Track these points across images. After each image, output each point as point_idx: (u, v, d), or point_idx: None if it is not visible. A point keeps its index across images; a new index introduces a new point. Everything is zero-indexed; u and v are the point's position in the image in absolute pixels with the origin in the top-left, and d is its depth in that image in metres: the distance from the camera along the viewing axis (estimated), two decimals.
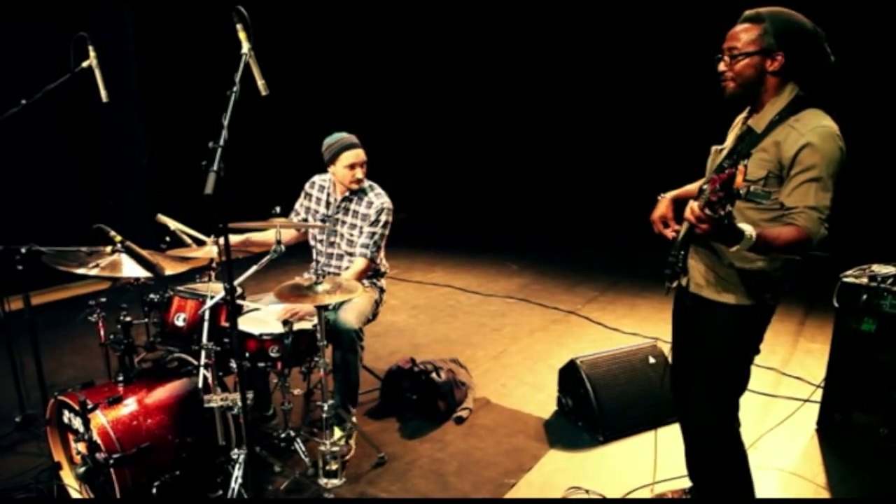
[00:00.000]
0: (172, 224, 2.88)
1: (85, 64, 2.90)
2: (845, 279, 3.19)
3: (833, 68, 2.03)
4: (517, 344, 4.45)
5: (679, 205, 2.33)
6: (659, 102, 7.18)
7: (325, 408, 2.76)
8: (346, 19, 7.59)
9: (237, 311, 2.33)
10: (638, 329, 4.61)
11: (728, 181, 1.67)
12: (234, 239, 3.11)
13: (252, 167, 6.36)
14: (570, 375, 3.42)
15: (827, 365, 3.28)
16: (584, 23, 7.59)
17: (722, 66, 2.06)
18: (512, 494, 2.84)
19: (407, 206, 8.75)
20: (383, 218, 3.17)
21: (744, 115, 2.21)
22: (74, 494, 2.64)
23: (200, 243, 2.95)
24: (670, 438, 3.14)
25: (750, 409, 3.49)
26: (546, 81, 8.13)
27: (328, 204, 3.28)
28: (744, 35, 2.01)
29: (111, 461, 2.39)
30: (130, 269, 2.61)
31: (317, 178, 3.37)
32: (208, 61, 5.02)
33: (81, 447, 2.45)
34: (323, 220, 3.29)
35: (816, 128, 1.93)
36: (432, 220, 8.63)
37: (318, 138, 3.26)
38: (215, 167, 1.87)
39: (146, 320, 2.82)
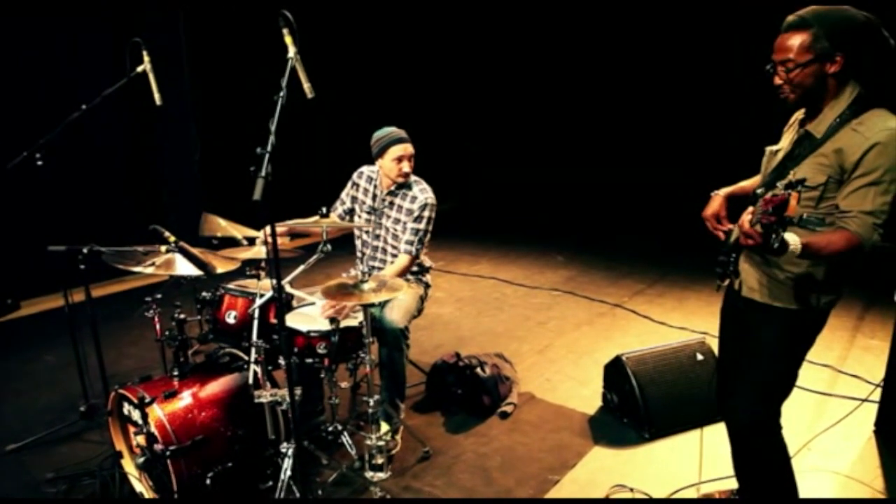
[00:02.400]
0: (220, 226, 2.95)
1: (140, 69, 3.00)
2: None
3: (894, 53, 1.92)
4: (562, 338, 4.43)
5: (732, 202, 2.27)
6: (710, 94, 6.99)
7: (371, 403, 2.81)
8: (387, 16, 7.61)
9: (285, 311, 2.38)
10: (686, 323, 4.53)
11: (781, 206, 1.61)
12: (279, 229, 3.17)
13: (297, 166, 6.46)
14: (615, 371, 3.39)
15: (886, 364, 3.16)
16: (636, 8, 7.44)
17: (778, 80, 1.96)
18: (555, 491, 2.85)
19: (453, 195, 8.79)
20: (426, 214, 3.18)
21: (799, 115, 2.13)
22: (134, 482, 2.78)
23: (251, 240, 3.02)
24: (718, 437, 3.08)
25: (804, 409, 3.40)
26: (593, 70, 8.01)
27: (374, 196, 3.32)
28: (794, 44, 1.90)
29: (168, 453, 2.49)
30: (183, 266, 2.71)
31: (365, 169, 3.40)
32: (259, 57, 5.12)
33: (140, 439, 2.56)
34: (369, 213, 3.32)
35: (882, 130, 1.85)
36: (479, 209, 8.64)
37: (364, 135, 3.30)
38: (263, 173, 1.91)
39: (199, 317, 2.92)
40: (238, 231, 2.97)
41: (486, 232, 7.44)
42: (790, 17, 1.94)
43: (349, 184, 3.43)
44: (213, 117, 6.04)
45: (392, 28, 7.67)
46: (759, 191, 1.71)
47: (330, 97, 6.75)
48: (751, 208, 1.80)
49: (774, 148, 2.18)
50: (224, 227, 2.97)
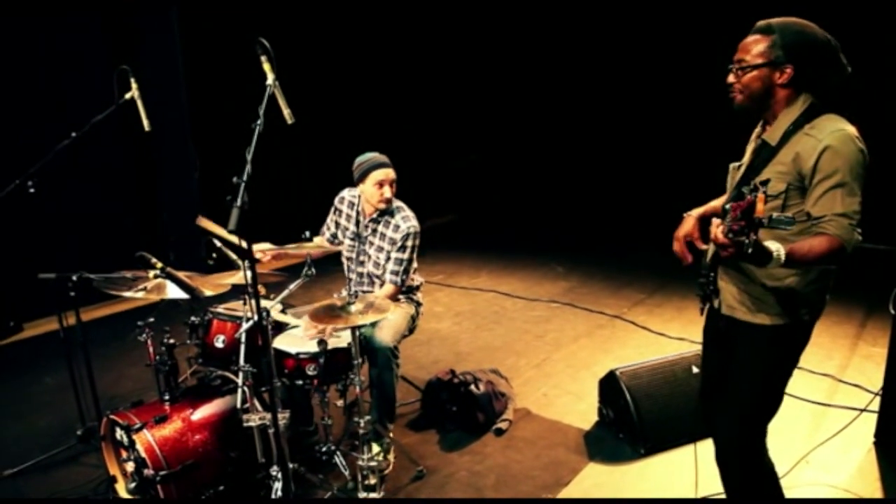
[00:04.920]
0: (212, 227, 2.92)
1: (128, 95, 3.04)
2: None
3: (849, 79, 1.95)
4: (560, 351, 4.41)
5: (705, 222, 2.27)
6: (708, 102, 6.96)
7: (362, 424, 2.81)
8: (384, 25, 7.64)
9: (268, 336, 2.39)
10: (685, 334, 4.50)
11: (748, 209, 1.61)
12: (269, 251, 3.18)
13: (282, 189, 6.50)
14: (610, 386, 3.37)
15: (885, 374, 3.12)
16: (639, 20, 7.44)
17: (731, 78, 2.02)
18: None
19: (455, 207, 8.80)
20: (410, 243, 3.18)
21: (758, 129, 2.15)
22: None
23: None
24: (712, 453, 3.05)
25: (802, 420, 3.36)
26: (590, 80, 8.00)
27: (357, 222, 3.32)
28: (753, 47, 1.96)
29: (158, 478, 2.50)
30: (175, 291, 2.73)
31: (346, 194, 3.41)
32: (257, 74, 5.15)
33: (130, 466, 2.57)
34: (353, 238, 3.33)
35: (833, 132, 1.87)
36: (480, 221, 8.63)
37: (349, 157, 3.31)
38: (239, 202, 1.93)
39: (189, 341, 2.94)
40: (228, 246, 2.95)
41: (487, 244, 7.43)
42: (761, 23, 1.99)
43: (332, 209, 3.44)
44: (212, 136, 6.08)
45: (389, 39, 7.69)
46: (726, 206, 1.72)
47: (322, 115, 6.80)
48: (716, 221, 1.79)
49: (737, 164, 2.20)
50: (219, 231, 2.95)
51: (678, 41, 7.07)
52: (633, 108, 7.78)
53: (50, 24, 5.18)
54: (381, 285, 3.26)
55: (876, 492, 2.84)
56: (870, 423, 3.20)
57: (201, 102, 6.06)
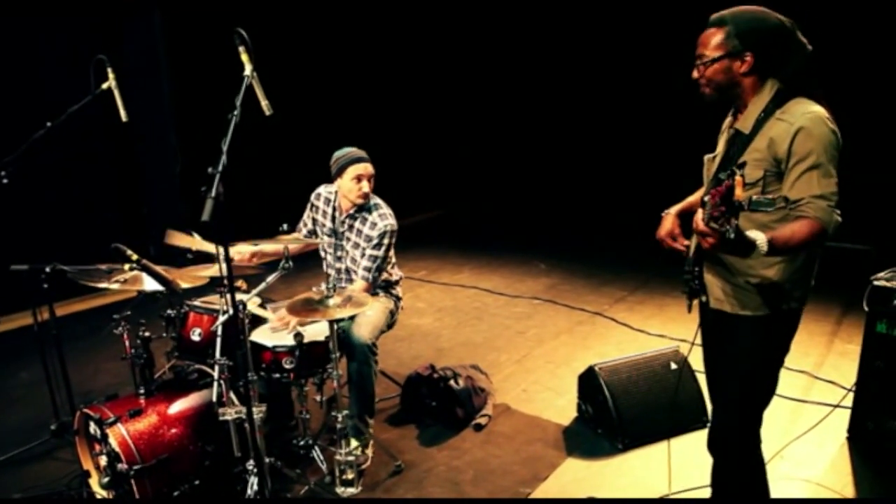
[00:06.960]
0: (186, 242, 2.92)
1: (105, 86, 2.99)
2: (876, 282, 3.06)
3: (811, 57, 1.96)
4: (541, 347, 4.42)
5: (684, 218, 2.28)
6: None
7: (340, 419, 2.80)
8: (375, 18, 7.61)
9: (245, 329, 2.38)
10: (665, 331, 4.53)
11: (727, 194, 1.61)
12: (245, 252, 3.16)
13: (259, 183, 6.43)
14: (589, 382, 3.38)
15: (858, 370, 3.16)
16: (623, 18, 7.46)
17: (695, 74, 2.04)
18: None
19: (441, 203, 8.80)
20: (386, 241, 3.16)
21: (729, 119, 2.17)
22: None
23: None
24: (691, 447, 3.09)
25: (778, 415, 3.40)
26: (582, 79, 8.03)
27: (334, 219, 3.30)
28: (710, 40, 1.99)
29: (131, 472, 2.48)
30: (152, 283, 2.71)
31: (322, 190, 3.38)
32: (240, 69, 5.08)
33: (103, 460, 2.54)
34: (330, 235, 3.31)
35: (805, 114, 1.89)
36: (464, 217, 8.63)
37: (333, 151, 3.29)
38: (213, 193, 1.91)
39: (164, 335, 2.91)
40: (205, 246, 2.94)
41: (471, 240, 7.43)
42: (714, 16, 2.01)
43: (308, 206, 3.41)
44: (195, 131, 6.01)
45: (376, 32, 7.65)
46: (705, 198, 1.72)
47: (305, 109, 6.75)
48: (700, 211, 1.79)
49: (711, 155, 2.21)
50: (191, 240, 2.95)
51: (664, 38, 7.10)
52: (617, 106, 7.81)
53: (34, 25, 5.12)
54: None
55: (848, 485, 2.88)
56: (843, 418, 3.24)
57: (184, 97, 5.99)
